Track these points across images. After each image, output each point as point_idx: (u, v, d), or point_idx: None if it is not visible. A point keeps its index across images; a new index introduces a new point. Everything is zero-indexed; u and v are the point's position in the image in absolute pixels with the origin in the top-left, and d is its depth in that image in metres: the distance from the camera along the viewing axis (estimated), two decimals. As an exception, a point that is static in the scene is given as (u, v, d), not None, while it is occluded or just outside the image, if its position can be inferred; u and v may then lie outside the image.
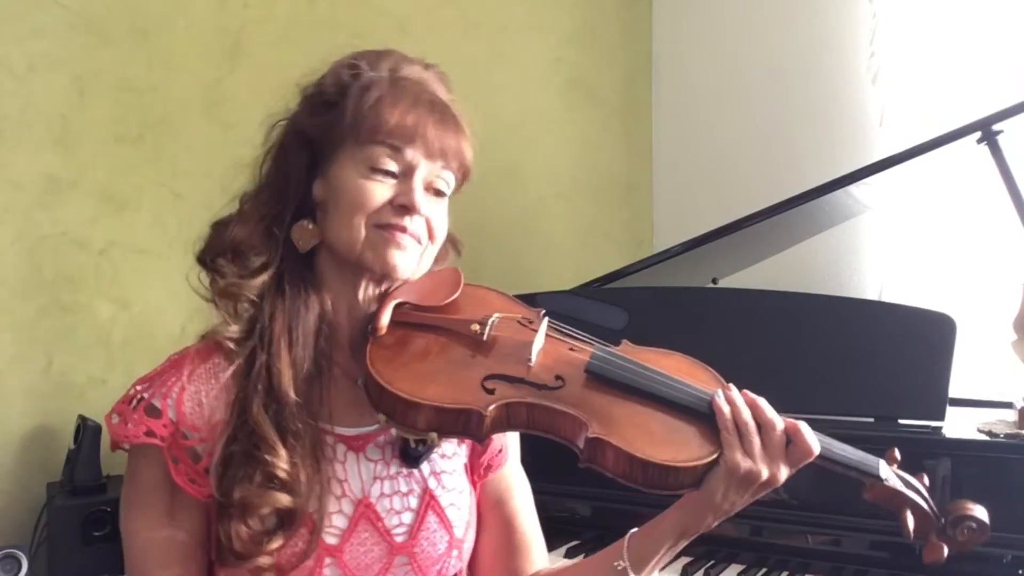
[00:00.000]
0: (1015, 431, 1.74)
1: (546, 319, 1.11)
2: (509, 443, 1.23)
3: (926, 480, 1.11)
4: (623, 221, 3.35)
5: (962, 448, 1.73)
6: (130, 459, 1.06)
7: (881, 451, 1.11)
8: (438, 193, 1.10)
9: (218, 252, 1.09)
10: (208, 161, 2.36)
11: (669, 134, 3.37)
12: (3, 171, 2.16)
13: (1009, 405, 1.93)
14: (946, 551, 1.07)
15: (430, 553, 1.10)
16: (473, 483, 1.19)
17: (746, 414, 1.02)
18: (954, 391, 1.83)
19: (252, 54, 2.47)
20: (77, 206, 2.25)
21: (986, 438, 1.74)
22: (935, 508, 1.09)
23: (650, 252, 2.88)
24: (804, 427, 1.03)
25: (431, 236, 1.10)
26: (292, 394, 1.03)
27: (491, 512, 1.21)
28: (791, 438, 1.03)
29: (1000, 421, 1.81)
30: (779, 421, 1.03)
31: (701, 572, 1.78)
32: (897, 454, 1.12)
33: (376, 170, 1.06)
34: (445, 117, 1.09)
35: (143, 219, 2.32)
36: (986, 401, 2.05)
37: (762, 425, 1.02)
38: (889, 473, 1.08)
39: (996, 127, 1.95)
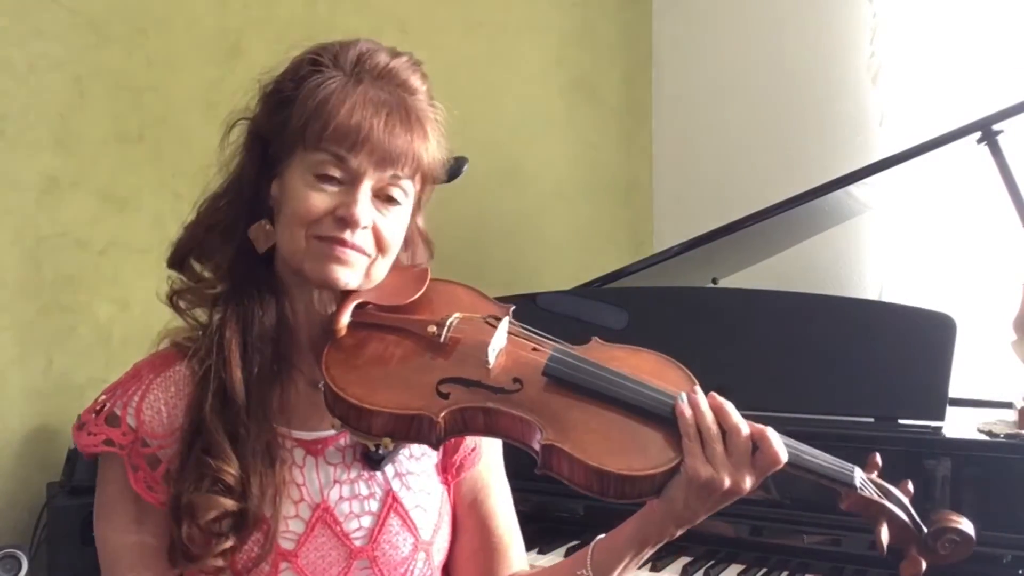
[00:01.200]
0: (1015, 431, 1.74)
1: (507, 318, 1.06)
2: (486, 442, 1.20)
3: (910, 487, 1.05)
4: (623, 221, 3.35)
5: (962, 448, 1.72)
6: (99, 466, 1.07)
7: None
8: (390, 200, 1.03)
9: (183, 254, 1.08)
10: (208, 161, 2.36)
11: (669, 134, 3.37)
12: (3, 171, 2.16)
13: (1009, 405, 1.93)
14: (924, 566, 1.02)
15: (392, 556, 1.08)
16: (446, 483, 1.17)
17: (709, 418, 0.97)
18: (954, 391, 1.83)
19: (252, 54, 2.47)
20: (77, 206, 2.25)
21: (986, 438, 1.74)
22: (916, 519, 1.03)
23: (650, 252, 2.87)
24: (771, 433, 0.98)
25: (380, 248, 1.04)
26: (243, 397, 1.01)
27: (466, 512, 1.18)
28: (757, 444, 0.97)
29: (1000, 421, 1.81)
30: (744, 426, 0.97)
31: (701, 572, 1.78)
32: (878, 460, 1.06)
33: (321, 177, 1.01)
34: (393, 116, 1.01)
35: (143, 219, 2.32)
36: (986, 401, 2.05)
37: (726, 431, 0.97)
38: (865, 482, 1.02)
39: (996, 127, 1.95)
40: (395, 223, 1.05)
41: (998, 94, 2.28)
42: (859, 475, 1.02)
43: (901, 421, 1.82)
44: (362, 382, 0.99)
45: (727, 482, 0.96)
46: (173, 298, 1.09)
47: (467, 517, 1.18)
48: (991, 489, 1.68)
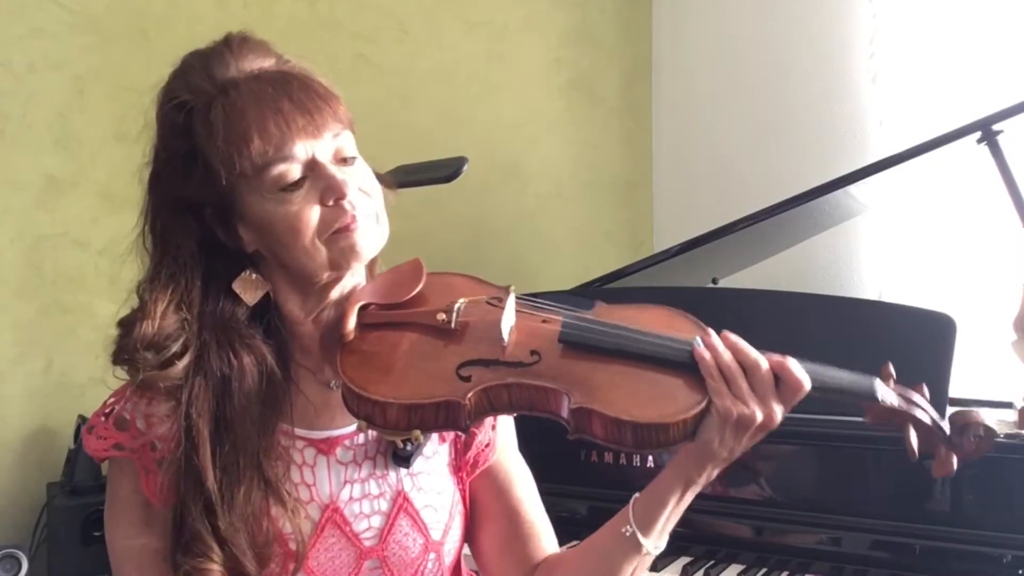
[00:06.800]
0: (1015, 431, 1.74)
1: (512, 295, 1.07)
2: (500, 434, 1.20)
3: (926, 391, 1.08)
4: (623, 221, 3.35)
5: (962, 448, 1.72)
6: (109, 469, 1.06)
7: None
8: (346, 160, 1.04)
9: (133, 351, 1.02)
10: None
11: (669, 134, 3.37)
12: (3, 171, 2.16)
13: (1009, 405, 1.93)
14: (956, 462, 1.04)
15: (402, 556, 1.09)
16: (461, 481, 1.17)
17: (727, 357, 0.99)
18: (954, 391, 1.82)
19: (252, 54, 2.47)
20: (77, 206, 2.26)
21: (986, 438, 1.74)
22: (938, 420, 1.06)
23: (650, 252, 2.87)
24: (791, 362, 1.01)
25: (371, 196, 1.06)
26: (213, 484, 0.99)
27: (494, 504, 1.19)
28: (779, 375, 1.00)
29: (1000, 421, 1.81)
30: (763, 360, 1.00)
31: (701, 572, 1.78)
32: (891, 369, 1.09)
33: (286, 188, 1.00)
34: (295, 94, 1.01)
35: (143, 219, 2.32)
36: (986, 401, 2.04)
37: (746, 367, 0.99)
38: (886, 392, 1.05)
39: (996, 127, 1.95)
40: (364, 173, 1.06)
41: (998, 94, 2.28)
42: (880, 386, 1.06)
43: (901, 421, 1.82)
44: (382, 379, 1.00)
45: (759, 415, 0.98)
46: (136, 386, 1.04)
47: (495, 508, 1.19)
48: (991, 489, 1.68)
